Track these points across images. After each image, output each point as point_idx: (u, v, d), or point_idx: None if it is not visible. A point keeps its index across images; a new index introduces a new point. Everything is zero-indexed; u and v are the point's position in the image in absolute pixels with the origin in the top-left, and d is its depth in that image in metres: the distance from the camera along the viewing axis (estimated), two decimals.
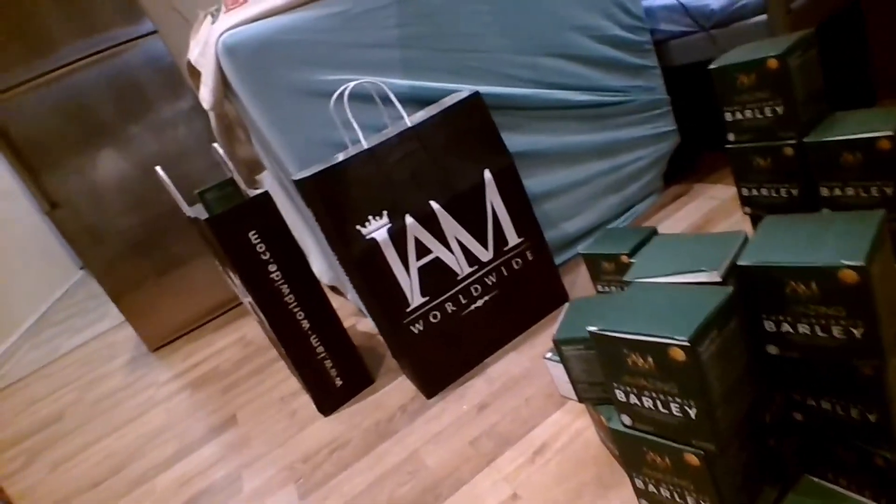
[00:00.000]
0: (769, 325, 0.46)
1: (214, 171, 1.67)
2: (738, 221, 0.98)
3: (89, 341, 2.15)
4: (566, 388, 0.72)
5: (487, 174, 0.86)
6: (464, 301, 0.88)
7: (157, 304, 1.70)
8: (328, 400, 0.96)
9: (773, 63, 0.58)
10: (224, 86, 0.88)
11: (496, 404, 0.79)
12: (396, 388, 0.94)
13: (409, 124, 0.83)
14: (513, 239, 0.90)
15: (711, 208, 1.06)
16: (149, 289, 1.68)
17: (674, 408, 0.43)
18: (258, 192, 0.87)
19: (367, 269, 0.81)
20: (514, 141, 0.99)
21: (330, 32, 0.86)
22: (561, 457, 0.66)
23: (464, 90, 0.92)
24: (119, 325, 2.18)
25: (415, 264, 0.83)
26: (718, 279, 0.45)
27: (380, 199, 0.81)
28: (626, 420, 0.48)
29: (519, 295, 0.92)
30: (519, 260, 0.91)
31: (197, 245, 1.70)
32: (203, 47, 0.93)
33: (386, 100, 0.89)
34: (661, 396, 0.43)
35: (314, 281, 0.92)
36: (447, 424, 0.80)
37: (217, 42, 0.83)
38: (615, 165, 1.13)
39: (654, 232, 0.69)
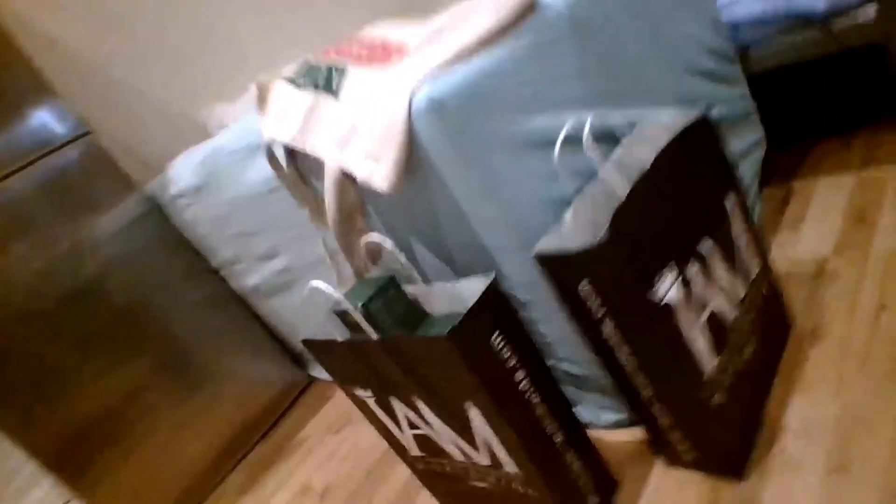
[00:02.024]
0: None
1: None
2: (891, 200, 0.97)
3: None
4: None
5: (728, 203, 0.75)
6: (741, 352, 0.74)
7: (117, 467, 1.29)
8: None
9: None
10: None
11: (851, 456, 0.65)
12: (670, 484, 0.75)
13: (646, 160, 0.69)
14: (754, 269, 0.79)
15: (847, 199, 1.05)
16: (95, 444, 1.27)
17: None
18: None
19: (662, 342, 0.64)
20: None
21: (524, 71, 0.70)
22: None
23: (661, 115, 0.81)
24: None
25: (701, 322, 0.68)
26: None
27: (660, 252, 0.65)
28: None
29: (767, 327, 0.80)
30: (760, 289, 0.80)
31: (155, 372, 1.35)
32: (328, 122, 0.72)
33: (576, 140, 0.75)
34: None
35: (552, 375, 0.72)
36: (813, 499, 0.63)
37: (408, 100, 0.63)
38: None
39: None
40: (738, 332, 0.74)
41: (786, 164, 1.25)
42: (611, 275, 0.61)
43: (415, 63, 0.69)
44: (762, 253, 0.81)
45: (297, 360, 1.67)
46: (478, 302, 0.63)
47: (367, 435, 1.25)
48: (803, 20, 1.06)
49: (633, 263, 0.61)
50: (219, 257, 1.41)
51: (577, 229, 0.66)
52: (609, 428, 0.87)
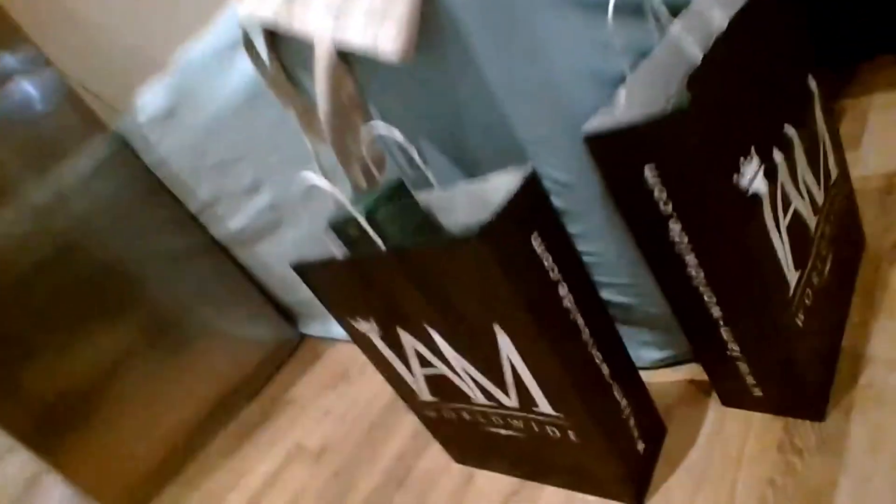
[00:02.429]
0: None
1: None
2: None
3: None
4: None
5: (812, 83, 0.62)
6: (819, 267, 0.61)
7: (95, 436, 1.16)
8: (636, 476, 0.62)
9: None
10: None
11: None
12: (730, 428, 0.63)
13: (721, 24, 0.55)
14: (834, 171, 0.66)
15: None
16: (73, 414, 1.15)
17: None
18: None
19: (743, 246, 0.51)
20: None
21: None
22: None
23: None
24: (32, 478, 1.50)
25: (784, 224, 0.55)
26: None
27: (743, 133, 0.51)
28: None
29: (842, 244, 0.68)
30: (838, 197, 0.67)
31: (134, 336, 1.22)
32: None
33: (633, 7, 0.60)
34: None
35: (598, 295, 0.59)
36: None
37: None
38: None
39: None
40: (818, 244, 0.61)
41: (835, 83, 1.12)
42: (687, 154, 0.47)
43: None
44: (842, 156, 0.68)
45: (288, 316, 1.53)
46: (514, 196, 0.50)
47: (367, 389, 1.13)
48: None
49: (714, 140, 0.48)
50: (197, 198, 1.26)
51: (638, 106, 0.52)
52: (652, 367, 0.75)
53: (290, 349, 1.50)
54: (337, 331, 1.39)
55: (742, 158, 0.50)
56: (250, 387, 1.41)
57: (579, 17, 0.54)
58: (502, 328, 0.54)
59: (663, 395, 0.72)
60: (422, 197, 0.64)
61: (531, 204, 0.51)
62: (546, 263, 0.52)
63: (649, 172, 0.49)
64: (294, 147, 0.94)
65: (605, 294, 0.69)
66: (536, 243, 0.51)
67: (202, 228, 1.36)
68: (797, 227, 0.57)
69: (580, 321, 0.55)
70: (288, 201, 1.06)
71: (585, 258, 0.67)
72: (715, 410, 0.66)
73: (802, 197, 0.59)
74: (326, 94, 0.65)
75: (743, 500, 0.56)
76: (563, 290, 0.53)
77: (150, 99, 1.10)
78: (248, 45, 0.70)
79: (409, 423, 0.96)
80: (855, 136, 0.95)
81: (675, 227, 0.52)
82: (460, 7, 0.51)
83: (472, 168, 0.65)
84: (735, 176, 0.49)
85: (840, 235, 0.67)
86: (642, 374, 0.75)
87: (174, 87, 1.00)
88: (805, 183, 0.59)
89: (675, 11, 0.64)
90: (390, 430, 0.97)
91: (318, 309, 1.42)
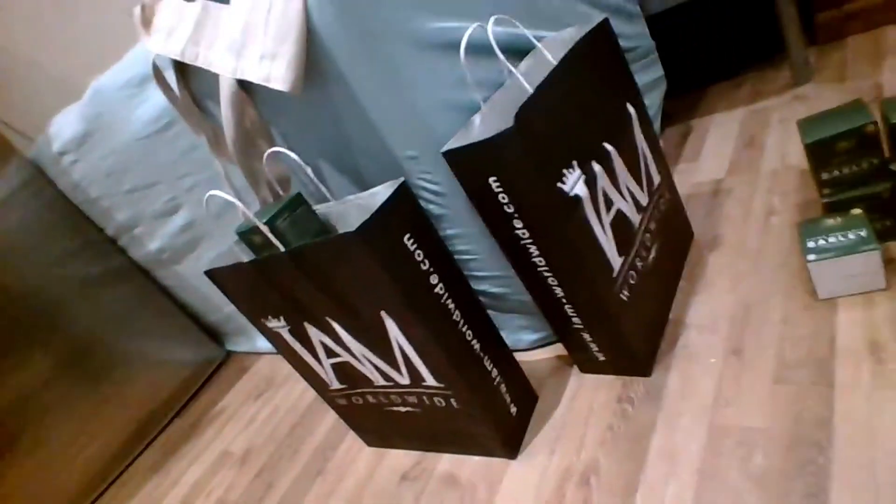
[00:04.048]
0: None
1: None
2: (785, 124, 1.05)
3: None
4: (840, 285, 0.66)
5: (630, 108, 0.77)
6: (643, 254, 0.76)
7: (16, 467, 1.17)
8: (511, 434, 0.74)
9: (870, 128, 0.67)
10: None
11: (748, 343, 0.69)
12: (584, 389, 0.77)
13: (551, 64, 0.70)
14: (656, 178, 0.82)
15: (738, 130, 1.12)
16: None
17: None
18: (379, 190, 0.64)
19: (571, 238, 0.65)
20: None
21: None
22: None
23: (564, 33, 0.81)
24: None
25: (607, 220, 0.70)
26: None
27: (566, 148, 0.65)
28: None
29: (669, 236, 0.84)
30: (662, 199, 0.83)
31: (53, 363, 1.23)
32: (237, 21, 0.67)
33: (486, 50, 0.74)
34: None
35: (468, 283, 0.71)
36: (714, 387, 0.67)
37: None
38: None
39: None
40: (642, 236, 0.76)
41: (684, 106, 1.32)
42: (519, 167, 0.61)
43: None
44: (664, 163, 0.84)
45: (212, 335, 1.57)
46: (387, 201, 0.61)
47: (290, 396, 1.19)
48: None
49: (541, 156, 0.61)
50: (114, 222, 1.29)
51: (486, 128, 0.65)
52: (530, 349, 0.88)
53: (215, 366, 1.53)
54: (262, 344, 1.45)
55: (565, 170, 0.64)
56: (175, 404, 1.43)
57: (438, 58, 0.67)
58: (388, 314, 0.65)
59: (538, 369, 0.85)
60: (319, 208, 0.74)
61: (403, 209, 0.63)
62: (418, 258, 0.63)
63: (493, 182, 0.62)
64: (206, 170, 1.01)
65: (483, 286, 0.82)
66: (409, 241, 0.63)
67: (121, 252, 1.38)
68: (620, 222, 0.72)
69: (451, 305, 0.66)
70: (203, 221, 1.13)
71: (463, 255, 0.79)
72: (575, 377, 0.80)
73: (625, 199, 0.74)
74: (231, 120, 0.74)
75: (589, 444, 0.69)
76: (434, 279, 0.65)
77: (63, 126, 1.14)
78: (159, 77, 0.78)
79: (328, 419, 1.04)
80: (696, 150, 1.14)
81: (518, 225, 0.65)
82: (338, 49, 0.62)
83: (360, 182, 0.76)
84: (559, 184, 0.63)
85: (667, 228, 0.84)
86: (522, 354, 0.88)
87: (87, 115, 1.05)
88: (627, 188, 0.74)
89: (523, 52, 0.79)
90: (310, 428, 1.05)
91: (243, 325, 1.47)
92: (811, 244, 0.68)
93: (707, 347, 0.72)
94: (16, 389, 1.19)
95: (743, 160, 1.03)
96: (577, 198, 0.64)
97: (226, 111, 0.73)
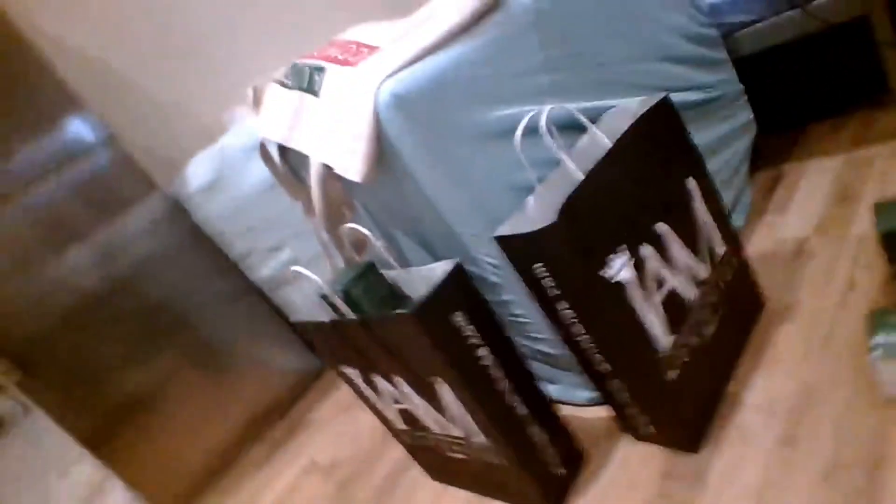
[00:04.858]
0: None
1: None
2: (884, 179, 0.97)
3: None
4: None
5: (691, 184, 0.78)
6: (700, 330, 0.77)
7: (149, 447, 1.40)
8: (554, 494, 0.78)
9: None
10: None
11: (803, 433, 0.68)
12: (632, 458, 0.79)
13: (604, 147, 0.73)
14: (721, 249, 0.82)
15: (833, 180, 1.05)
16: (130, 426, 1.38)
17: None
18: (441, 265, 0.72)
19: (615, 320, 0.68)
20: None
21: (487, 65, 0.74)
22: None
23: (620, 103, 0.84)
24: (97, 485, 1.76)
25: (657, 299, 0.72)
26: None
27: (613, 234, 0.69)
28: None
29: (734, 306, 0.83)
30: (728, 269, 0.83)
31: (182, 360, 1.45)
32: (318, 116, 0.78)
33: (558, 128, 0.78)
34: None
35: (516, 353, 0.77)
36: (759, 476, 0.67)
37: (373, 97, 0.68)
38: (716, 167, 1.10)
39: None
40: (698, 311, 0.77)
41: (779, 147, 1.25)
42: (561, 256, 0.65)
43: (382, 60, 0.74)
44: (730, 234, 0.83)
45: (312, 348, 1.75)
46: (441, 283, 0.68)
47: (370, 415, 1.32)
48: (784, 2, 1.06)
49: (583, 245, 0.65)
50: (235, 251, 1.50)
51: (536, 213, 0.70)
52: (584, 405, 0.91)
53: (313, 376, 1.71)
54: None
55: (610, 255, 0.67)
56: (280, 408, 1.63)
57: (496, 145, 0.73)
58: (440, 379, 0.72)
59: (591, 428, 0.88)
60: (390, 273, 0.83)
61: (456, 288, 0.70)
62: (467, 332, 0.70)
63: (539, 267, 0.67)
64: (304, 222, 1.16)
65: (539, 346, 0.87)
66: (460, 318, 0.70)
67: (242, 275, 1.60)
68: (672, 301, 0.73)
69: (497, 374, 0.73)
70: (304, 259, 1.28)
71: (520, 318, 0.84)
72: (627, 441, 0.82)
73: (680, 275, 0.75)
74: (319, 194, 0.85)
75: None
76: (482, 351, 0.71)
77: (196, 171, 1.35)
78: (265, 155, 0.92)
79: (398, 447, 1.14)
80: (785, 201, 1.09)
81: (563, 306, 0.69)
82: (405, 147, 0.70)
83: (430, 252, 0.84)
84: (602, 271, 0.66)
85: (732, 299, 0.82)
86: (578, 410, 0.92)
87: (215, 167, 1.25)
88: (682, 264, 0.75)
89: (580, 126, 0.82)
90: (383, 452, 1.16)
91: None
92: (879, 339, 0.65)
93: (761, 431, 0.71)
94: (153, 378, 1.43)
95: (833, 218, 0.96)
96: (620, 284, 0.67)
97: (314, 186, 0.85)
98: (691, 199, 0.77)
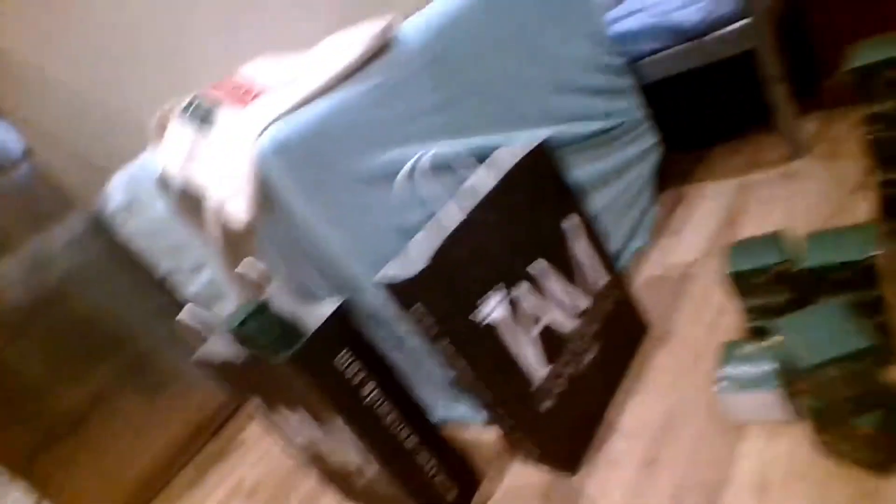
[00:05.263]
0: None
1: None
2: (764, 205, 1.04)
3: None
4: (745, 413, 0.69)
5: (567, 224, 0.82)
6: (580, 359, 0.82)
7: (81, 469, 1.38)
8: None
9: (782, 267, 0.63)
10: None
11: (663, 455, 0.74)
12: (523, 477, 0.83)
13: (484, 190, 0.76)
14: (602, 280, 0.86)
15: (725, 205, 1.12)
16: (62, 447, 1.36)
17: None
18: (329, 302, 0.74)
19: (484, 359, 0.72)
20: None
21: (375, 109, 0.77)
22: (794, 486, 0.62)
23: (515, 140, 0.88)
24: None
25: (533, 334, 0.76)
26: None
27: (486, 275, 0.72)
28: None
29: (616, 333, 0.88)
30: (609, 299, 0.88)
31: (113, 379, 1.44)
32: (206, 157, 0.79)
33: (443, 169, 0.82)
34: None
35: (402, 385, 0.80)
36: (622, 496, 0.72)
37: (255, 143, 0.70)
38: (621, 189, 1.16)
39: None
40: (576, 342, 0.81)
41: (685, 167, 1.32)
42: (436, 300, 0.68)
43: (269, 104, 0.75)
44: (610, 266, 0.88)
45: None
46: (322, 325, 0.71)
47: None
48: (683, 34, 1.12)
49: (455, 289, 0.69)
50: (161, 268, 1.48)
51: (416, 256, 0.73)
52: (487, 423, 0.95)
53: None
54: None
55: (482, 297, 0.71)
56: (212, 426, 1.63)
57: (382, 187, 0.76)
58: (328, 419, 0.75)
59: (489, 447, 0.92)
60: (290, 310, 0.85)
61: (339, 328, 0.73)
62: (351, 372, 0.73)
63: (417, 308, 0.70)
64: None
65: (441, 371, 0.90)
66: (344, 356, 0.72)
67: (168, 292, 1.59)
68: (549, 334, 0.77)
69: (384, 408, 0.76)
70: (223, 280, 1.29)
71: (419, 349, 0.88)
72: (518, 462, 0.87)
73: (557, 309, 0.79)
74: (216, 230, 0.86)
75: None
76: (368, 388, 0.74)
77: (113, 193, 1.33)
78: (163, 186, 0.93)
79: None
80: (682, 222, 1.15)
81: (443, 342, 0.73)
82: (282, 190, 0.72)
83: (324, 289, 0.86)
84: (473, 312, 0.70)
85: (613, 327, 0.87)
86: (478, 430, 0.96)
87: (129, 189, 1.24)
88: (559, 298, 0.79)
89: (482, 156, 0.86)
90: (305, 474, 1.18)
91: None
92: (725, 371, 0.71)
93: (627, 455, 0.77)
94: (86, 395, 1.41)
95: (720, 241, 1.03)
96: (489, 325, 0.71)
97: (210, 222, 0.86)
98: (571, 235, 0.82)
